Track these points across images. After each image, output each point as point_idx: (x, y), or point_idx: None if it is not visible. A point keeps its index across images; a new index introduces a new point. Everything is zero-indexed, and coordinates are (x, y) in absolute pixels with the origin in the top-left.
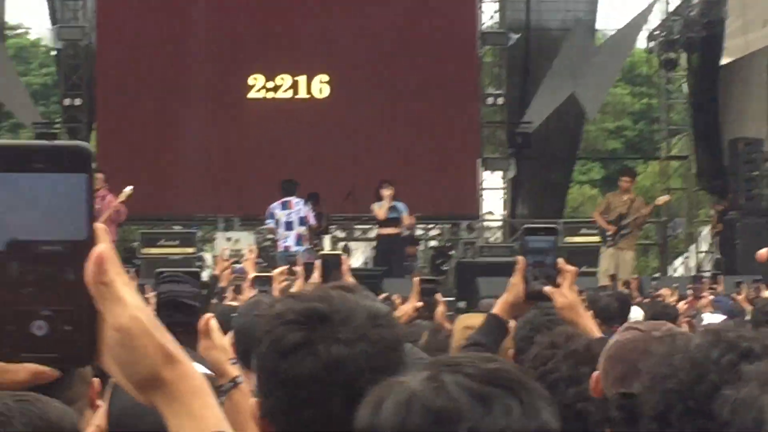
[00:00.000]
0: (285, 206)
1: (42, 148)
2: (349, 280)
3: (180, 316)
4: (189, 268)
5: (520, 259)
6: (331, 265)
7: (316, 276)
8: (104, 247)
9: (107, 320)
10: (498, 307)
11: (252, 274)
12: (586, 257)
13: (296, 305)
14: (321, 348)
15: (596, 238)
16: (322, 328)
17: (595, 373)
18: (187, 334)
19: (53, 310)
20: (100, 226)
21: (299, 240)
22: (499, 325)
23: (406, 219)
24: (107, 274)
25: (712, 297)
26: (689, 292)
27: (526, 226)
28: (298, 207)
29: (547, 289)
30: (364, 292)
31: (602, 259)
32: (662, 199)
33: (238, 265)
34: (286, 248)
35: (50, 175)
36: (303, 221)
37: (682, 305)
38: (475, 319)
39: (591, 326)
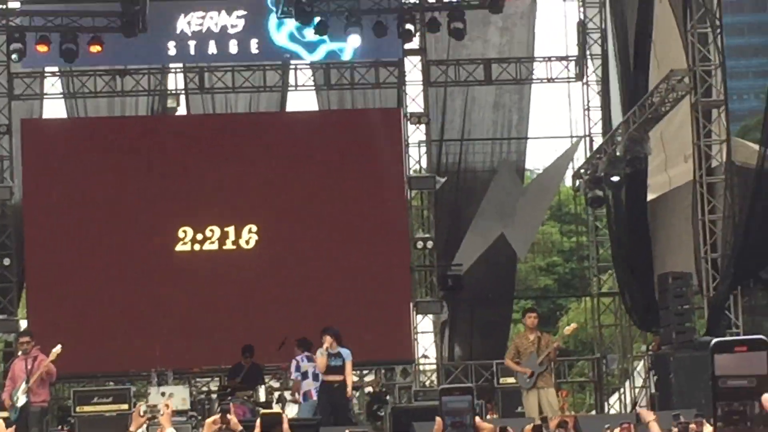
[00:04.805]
0: (310, 359)
1: None
2: None
3: None
4: None
5: (438, 420)
6: (271, 423)
7: None
8: None
9: None
10: None
11: (168, 429)
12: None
13: None
14: None
15: None
16: None
17: None
18: None
19: None
20: None
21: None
22: None
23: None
24: None
25: None
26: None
27: (441, 387)
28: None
29: None
30: None
31: (526, 402)
32: (570, 329)
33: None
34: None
35: None
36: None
37: None
38: None
39: None
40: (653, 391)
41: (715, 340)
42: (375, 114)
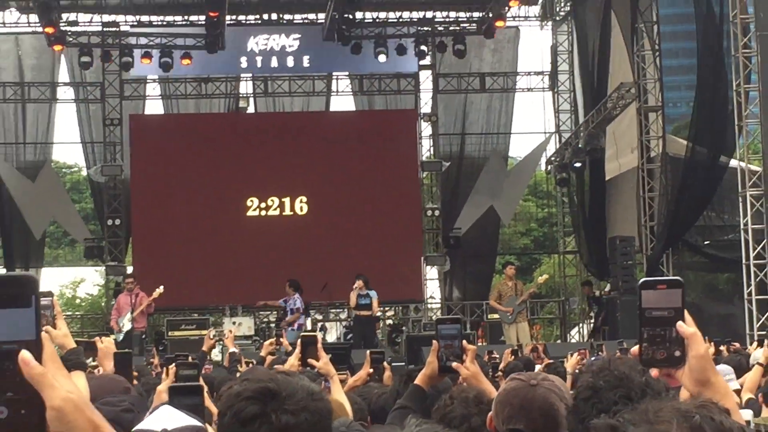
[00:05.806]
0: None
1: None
2: (322, 354)
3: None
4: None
5: (434, 342)
6: (309, 343)
7: (296, 351)
8: (25, 353)
9: (46, 403)
10: (419, 379)
11: (231, 349)
12: (502, 330)
13: (251, 385)
14: (273, 417)
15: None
16: (273, 402)
17: (490, 413)
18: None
19: (12, 397)
20: (44, 335)
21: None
22: (421, 393)
23: (375, 306)
24: (35, 368)
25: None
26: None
27: (437, 318)
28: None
29: (455, 365)
30: (300, 375)
31: (507, 333)
32: (543, 279)
33: None
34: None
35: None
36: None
37: (572, 365)
38: None
39: (489, 389)
40: (604, 326)
41: (642, 279)
42: (396, 114)
